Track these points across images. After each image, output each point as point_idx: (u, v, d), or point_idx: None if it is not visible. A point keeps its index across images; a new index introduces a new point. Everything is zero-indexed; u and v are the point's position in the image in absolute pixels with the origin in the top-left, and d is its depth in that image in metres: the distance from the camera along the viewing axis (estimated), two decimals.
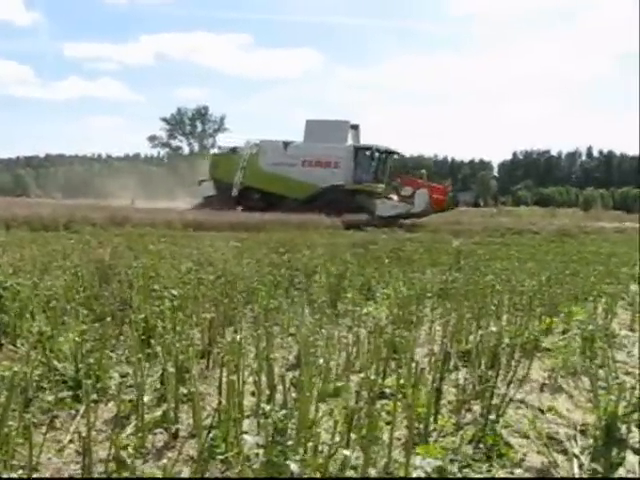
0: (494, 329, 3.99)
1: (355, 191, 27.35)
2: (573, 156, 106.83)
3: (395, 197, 27.68)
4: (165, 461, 1.97)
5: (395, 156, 31.40)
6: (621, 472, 2.21)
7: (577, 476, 2.22)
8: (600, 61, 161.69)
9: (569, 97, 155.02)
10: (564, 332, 4.58)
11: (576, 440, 2.53)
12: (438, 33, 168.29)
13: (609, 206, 67.53)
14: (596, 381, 3.01)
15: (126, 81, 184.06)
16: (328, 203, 25.63)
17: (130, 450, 2.30)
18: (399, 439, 2.46)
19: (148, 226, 18.08)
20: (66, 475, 2.21)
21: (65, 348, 3.35)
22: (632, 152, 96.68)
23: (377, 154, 28.91)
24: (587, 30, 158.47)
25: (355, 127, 30.04)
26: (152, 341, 3.82)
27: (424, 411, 2.61)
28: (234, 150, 31.38)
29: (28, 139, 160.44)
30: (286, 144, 29.66)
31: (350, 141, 29.03)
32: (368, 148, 28.55)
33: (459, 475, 2.16)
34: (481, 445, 2.47)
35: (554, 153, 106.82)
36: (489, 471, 2.28)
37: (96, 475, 2.12)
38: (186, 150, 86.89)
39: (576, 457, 2.35)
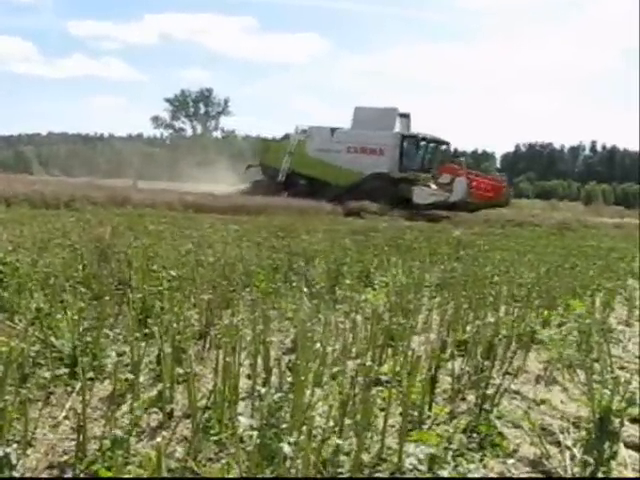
0: (491, 320, 4.00)
1: (399, 180, 26.62)
2: (576, 150, 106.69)
3: (433, 185, 26.94)
4: (159, 440, 1.97)
5: (444, 146, 30.17)
6: (613, 465, 2.21)
7: (569, 467, 2.22)
8: (606, 55, 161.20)
9: (574, 90, 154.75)
10: (561, 325, 4.59)
11: (569, 432, 2.54)
12: (445, 23, 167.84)
13: (610, 201, 67.49)
14: (591, 375, 3.01)
15: (130, 61, 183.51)
16: (371, 191, 25.16)
17: (125, 428, 2.31)
18: (393, 426, 2.46)
19: (149, 207, 18.10)
20: (60, 450, 2.22)
21: (63, 325, 3.36)
22: (635, 148, 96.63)
23: (424, 143, 28.04)
24: (593, 24, 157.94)
25: (405, 115, 29.25)
26: (150, 321, 3.84)
27: (419, 399, 2.62)
28: (286, 136, 31.35)
29: (30, 116, 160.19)
30: (333, 130, 29.17)
31: (397, 129, 28.22)
32: (415, 136, 27.62)
33: (452, 463, 2.17)
34: (475, 434, 2.48)
35: (557, 146, 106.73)
36: (481, 460, 2.29)
37: (90, 452, 2.13)
38: (189, 132, 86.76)
39: (568, 449, 2.35)
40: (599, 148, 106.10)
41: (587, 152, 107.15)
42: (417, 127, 29.36)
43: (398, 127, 28.35)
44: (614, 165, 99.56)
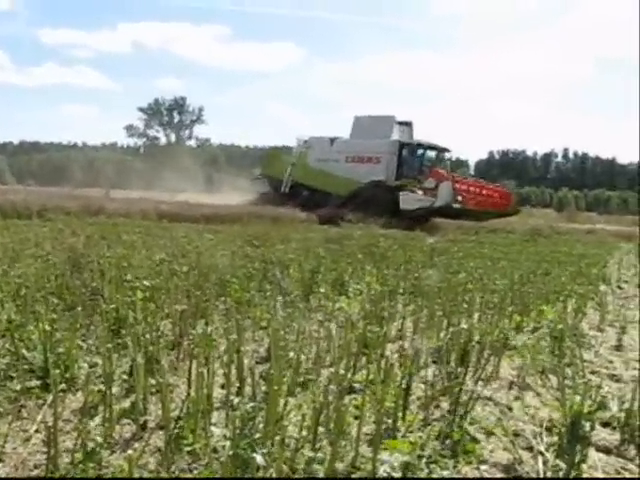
0: (465, 326, 4.02)
1: (396, 187, 26.06)
2: (549, 157, 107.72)
3: (419, 191, 26.16)
4: (131, 452, 1.96)
5: (447, 154, 29.96)
6: (584, 468, 2.23)
7: (541, 472, 2.24)
8: (579, 63, 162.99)
9: (547, 98, 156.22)
10: (534, 331, 4.62)
11: (541, 437, 2.56)
12: (420, 31, 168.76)
13: (582, 208, 68.18)
14: (563, 380, 3.04)
15: (102, 69, 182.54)
16: (368, 199, 25.00)
17: (98, 440, 2.29)
18: (367, 434, 2.47)
19: (122, 216, 17.98)
20: (30, 464, 2.19)
21: (34, 337, 3.33)
22: (605, 155, 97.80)
23: (422, 150, 27.90)
24: (566, 33, 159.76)
25: (407, 124, 29.11)
26: (123, 331, 3.81)
27: (392, 406, 2.62)
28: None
29: (2, 125, 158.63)
30: (332, 140, 29.11)
31: (395, 136, 27.93)
32: (412, 144, 27.42)
33: (426, 470, 2.18)
34: (448, 441, 2.49)
35: (530, 153, 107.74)
36: (455, 467, 2.30)
37: (62, 465, 2.11)
38: (163, 140, 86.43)
39: (541, 454, 2.37)
40: (571, 155, 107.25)
41: (559, 159, 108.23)
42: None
43: (396, 135, 28.07)
44: (585, 172, 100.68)
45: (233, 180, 30.62)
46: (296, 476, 2.08)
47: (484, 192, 26.72)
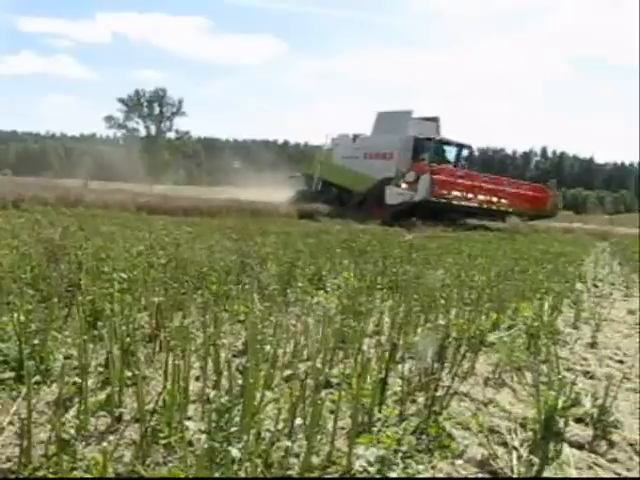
0: (442, 322, 4.04)
1: None
2: (528, 155, 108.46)
3: (403, 184, 25.66)
4: (105, 444, 1.95)
5: (465, 150, 28.85)
6: (557, 464, 2.25)
7: (515, 467, 2.26)
8: (556, 64, 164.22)
9: (527, 97, 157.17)
10: (510, 328, 4.65)
11: (516, 433, 2.58)
12: (400, 28, 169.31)
13: (560, 206, 68.66)
14: (538, 376, 3.06)
15: (82, 59, 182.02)
16: (381, 196, 24.74)
17: (72, 432, 2.28)
18: (343, 428, 2.47)
19: (101, 208, 17.89)
20: (2, 457, 2.17)
21: (9, 328, 3.30)
22: (583, 154, 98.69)
23: (440, 147, 27.28)
24: (542, 34, 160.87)
25: (432, 119, 28.58)
26: (99, 324, 3.79)
27: (369, 401, 2.63)
28: None
29: None
30: (355, 137, 28.98)
31: (412, 132, 27.29)
32: (426, 139, 26.75)
33: (401, 465, 2.19)
34: (424, 436, 2.50)
35: (509, 152, 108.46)
36: (430, 461, 2.31)
37: (35, 458, 2.09)
38: (143, 132, 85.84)
39: (515, 449, 2.39)
40: (550, 154, 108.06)
41: (538, 157, 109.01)
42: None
43: (414, 131, 27.44)
44: (563, 171, 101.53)
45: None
46: (272, 470, 2.08)
47: (506, 190, 25.81)
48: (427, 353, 3.26)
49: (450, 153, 28.07)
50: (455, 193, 24.18)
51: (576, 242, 18.90)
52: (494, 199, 25.29)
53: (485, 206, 24.94)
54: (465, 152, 29.03)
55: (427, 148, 27.00)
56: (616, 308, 6.44)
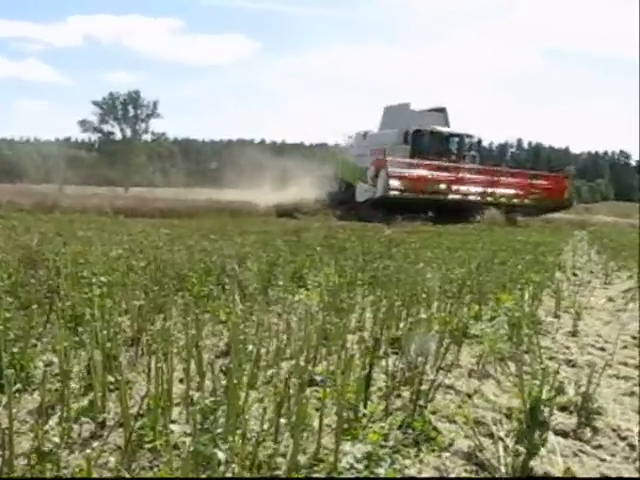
0: (424, 316, 4.04)
1: None
2: (504, 147, 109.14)
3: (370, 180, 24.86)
4: (89, 451, 1.93)
5: (470, 139, 27.25)
6: (543, 452, 2.26)
7: (502, 458, 2.26)
8: (527, 56, 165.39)
9: (500, 89, 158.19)
10: (492, 319, 4.67)
11: (502, 424, 2.59)
12: (368, 23, 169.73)
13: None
14: (521, 366, 3.07)
15: (54, 63, 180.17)
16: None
17: (55, 440, 2.25)
18: (329, 426, 2.46)
19: (78, 212, 17.76)
20: None
21: None
22: (558, 144, 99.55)
23: (438, 137, 26.15)
24: (514, 26, 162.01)
25: (439, 110, 27.65)
26: (80, 329, 3.75)
27: (354, 397, 2.63)
28: None
29: None
30: (365, 134, 28.28)
31: (414, 124, 26.17)
32: (425, 131, 25.75)
33: (389, 460, 2.18)
34: (410, 430, 2.50)
35: (485, 144, 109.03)
36: (417, 455, 2.30)
37: (18, 467, 2.07)
38: (118, 135, 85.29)
39: (501, 440, 2.39)
40: (525, 145, 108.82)
41: (514, 149, 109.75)
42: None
43: (416, 123, 26.26)
44: (540, 162, 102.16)
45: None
46: (261, 471, 2.06)
47: (506, 180, 24.89)
48: (427, 348, 3.28)
49: (452, 144, 26.94)
50: (431, 187, 23.32)
51: (554, 232, 19.04)
52: (492, 190, 24.39)
53: (477, 199, 24.19)
54: (468, 142, 27.55)
55: (422, 140, 26.10)
56: (595, 296, 6.50)
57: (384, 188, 22.71)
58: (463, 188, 24.22)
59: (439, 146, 26.37)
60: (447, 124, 27.30)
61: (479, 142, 27.96)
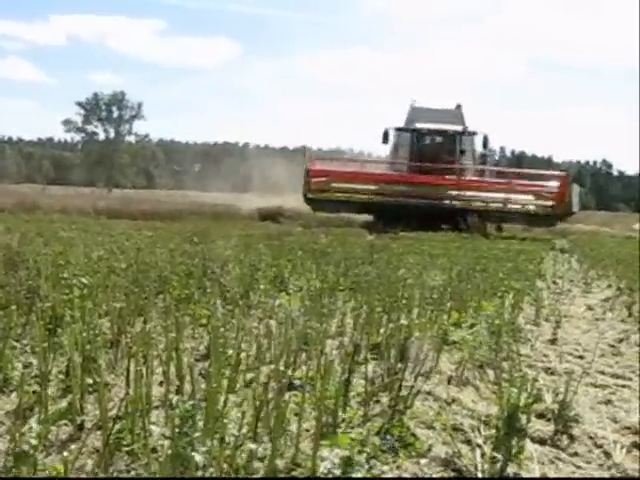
0: (404, 322, 4.05)
1: None
2: (484, 155, 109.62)
3: None
4: (67, 453, 1.92)
5: (464, 136, 23.92)
6: (520, 459, 2.28)
7: (479, 464, 2.27)
8: (511, 64, 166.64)
9: (482, 98, 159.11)
10: (472, 326, 4.69)
11: (480, 430, 2.60)
12: (352, 29, 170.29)
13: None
14: (500, 373, 3.10)
15: (36, 62, 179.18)
16: None
17: (33, 442, 2.24)
18: (307, 430, 2.47)
19: (59, 213, 17.66)
20: None
21: None
22: (541, 154, 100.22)
23: (423, 136, 23.72)
24: (498, 32, 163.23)
25: (459, 107, 25.23)
26: (59, 331, 3.73)
27: (333, 403, 2.63)
28: None
29: None
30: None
31: (417, 124, 23.86)
32: (422, 130, 23.49)
33: (366, 465, 2.19)
34: (388, 436, 2.51)
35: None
36: (395, 462, 2.31)
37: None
38: (102, 136, 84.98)
39: (479, 447, 2.41)
40: (508, 154, 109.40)
41: (496, 157, 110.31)
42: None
43: (421, 122, 23.93)
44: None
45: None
46: (238, 475, 2.06)
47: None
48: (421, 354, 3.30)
49: (444, 143, 23.88)
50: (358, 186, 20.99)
51: (535, 240, 19.13)
52: (457, 193, 21.36)
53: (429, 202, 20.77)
54: (467, 139, 24.24)
55: (407, 139, 24.16)
56: (575, 304, 6.55)
57: (304, 188, 21.05)
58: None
59: (427, 146, 23.87)
60: (461, 123, 24.19)
61: (485, 139, 23.85)
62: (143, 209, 21.09)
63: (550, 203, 20.72)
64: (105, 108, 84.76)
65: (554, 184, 21.28)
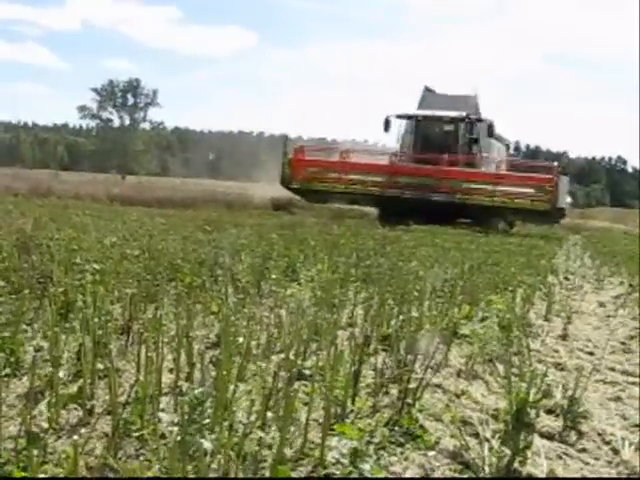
0: (415, 314, 4.05)
1: None
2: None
3: None
4: (76, 437, 1.93)
5: (473, 123, 22.08)
6: (528, 454, 2.28)
7: (486, 458, 2.27)
8: (527, 59, 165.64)
9: (498, 91, 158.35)
10: (483, 320, 4.68)
11: (488, 424, 2.60)
12: (369, 20, 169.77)
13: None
14: (510, 368, 3.09)
15: (52, 47, 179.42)
16: None
17: (44, 425, 2.26)
18: (316, 420, 2.47)
19: (73, 198, 17.73)
20: None
21: None
22: (556, 149, 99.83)
23: (427, 123, 22.39)
24: (515, 29, 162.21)
25: (473, 96, 23.52)
26: (71, 315, 3.76)
27: (342, 393, 2.64)
28: None
29: None
30: None
31: (423, 111, 22.68)
32: (414, 116, 22.36)
33: (374, 456, 2.19)
34: (397, 428, 2.51)
35: None
36: (403, 453, 2.32)
37: (5, 452, 2.07)
38: (117, 122, 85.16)
39: (487, 440, 2.41)
40: (523, 148, 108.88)
41: (512, 152, 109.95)
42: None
43: (426, 110, 22.68)
44: None
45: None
46: (245, 462, 2.07)
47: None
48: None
49: (447, 132, 22.43)
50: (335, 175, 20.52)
51: (549, 235, 19.05)
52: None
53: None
54: (476, 128, 22.29)
55: (430, 127, 22.71)
56: (587, 301, 6.52)
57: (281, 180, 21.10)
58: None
59: (427, 134, 22.57)
60: (477, 112, 22.88)
61: (490, 126, 21.93)
62: (157, 196, 21.14)
63: (534, 198, 19.11)
64: (120, 95, 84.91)
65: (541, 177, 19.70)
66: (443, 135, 22.46)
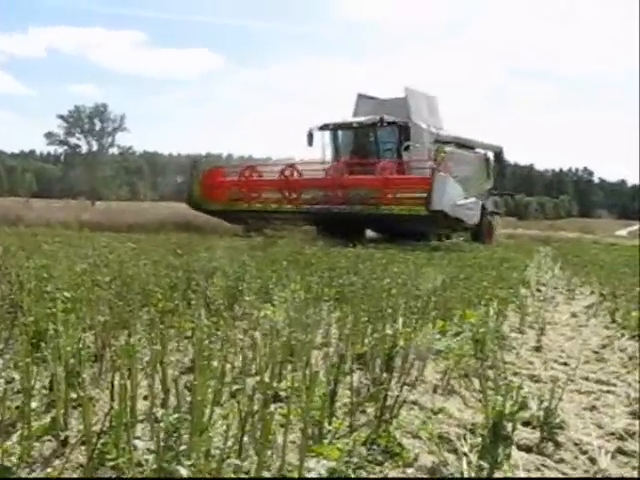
0: (389, 332, 4.05)
1: None
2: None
3: None
4: (49, 470, 1.90)
5: (390, 127, 20.35)
6: (506, 467, 2.28)
7: (465, 473, 2.27)
8: (492, 74, 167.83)
9: (465, 106, 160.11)
10: (457, 335, 4.69)
11: (465, 439, 2.60)
12: (335, 38, 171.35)
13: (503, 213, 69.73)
14: (485, 382, 3.10)
15: (16, 74, 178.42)
16: None
17: (14, 459, 2.22)
18: (294, 442, 2.46)
19: (43, 226, 17.57)
20: None
21: None
22: (523, 162, 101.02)
23: (340, 132, 21.59)
24: (477, 43, 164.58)
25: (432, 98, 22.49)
26: (43, 345, 3.70)
27: (318, 414, 2.62)
28: None
29: None
30: None
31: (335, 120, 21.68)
32: (329, 125, 21.38)
33: (353, 476, 2.19)
34: (375, 446, 2.50)
35: None
36: (381, 472, 2.31)
37: None
38: (84, 148, 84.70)
39: (465, 455, 2.41)
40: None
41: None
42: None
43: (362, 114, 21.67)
44: (505, 179, 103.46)
45: None
46: None
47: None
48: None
49: (389, 138, 20.81)
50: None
51: (519, 247, 19.22)
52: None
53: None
54: (389, 132, 20.71)
55: (334, 138, 21.92)
56: (559, 311, 6.58)
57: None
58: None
59: (348, 142, 21.73)
60: (433, 116, 22.05)
61: (406, 129, 20.35)
62: (126, 221, 21.01)
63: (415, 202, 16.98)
64: (87, 120, 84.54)
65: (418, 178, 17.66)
66: (361, 143, 21.32)
